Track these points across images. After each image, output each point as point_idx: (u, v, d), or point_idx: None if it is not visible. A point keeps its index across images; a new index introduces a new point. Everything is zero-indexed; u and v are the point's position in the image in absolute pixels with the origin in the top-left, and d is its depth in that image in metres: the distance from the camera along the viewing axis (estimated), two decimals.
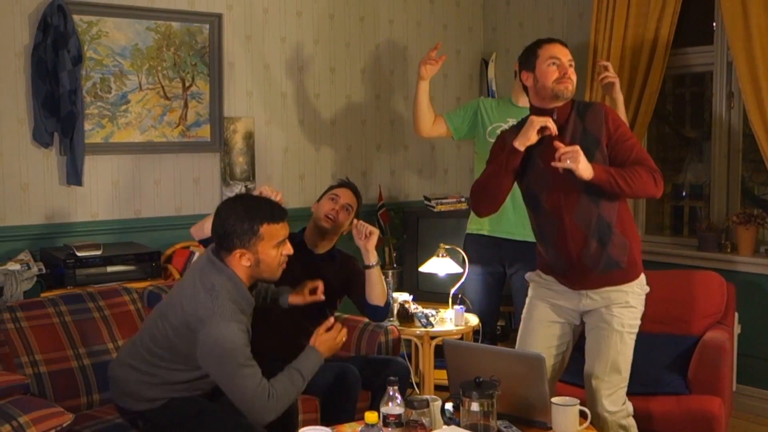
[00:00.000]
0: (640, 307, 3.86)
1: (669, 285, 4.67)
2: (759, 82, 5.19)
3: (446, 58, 5.31)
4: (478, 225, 5.29)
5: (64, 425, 3.49)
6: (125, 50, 5.23)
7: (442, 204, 6.14)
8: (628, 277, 3.81)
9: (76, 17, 4.97)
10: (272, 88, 5.96)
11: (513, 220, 5.13)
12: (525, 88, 3.94)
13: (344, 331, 3.75)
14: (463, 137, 5.41)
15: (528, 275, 4.14)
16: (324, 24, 6.20)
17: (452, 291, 5.31)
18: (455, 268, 5.31)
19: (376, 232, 4.34)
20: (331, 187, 4.57)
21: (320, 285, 4.15)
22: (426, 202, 6.26)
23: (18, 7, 4.83)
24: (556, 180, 3.75)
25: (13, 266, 4.54)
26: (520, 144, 3.74)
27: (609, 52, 5.86)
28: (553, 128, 3.71)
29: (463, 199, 6.11)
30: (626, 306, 3.80)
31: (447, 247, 5.33)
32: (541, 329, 3.97)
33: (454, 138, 5.42)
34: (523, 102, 4.99)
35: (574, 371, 4.08)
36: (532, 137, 3.72)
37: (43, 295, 4.49)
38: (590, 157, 3.64)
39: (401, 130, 6.62)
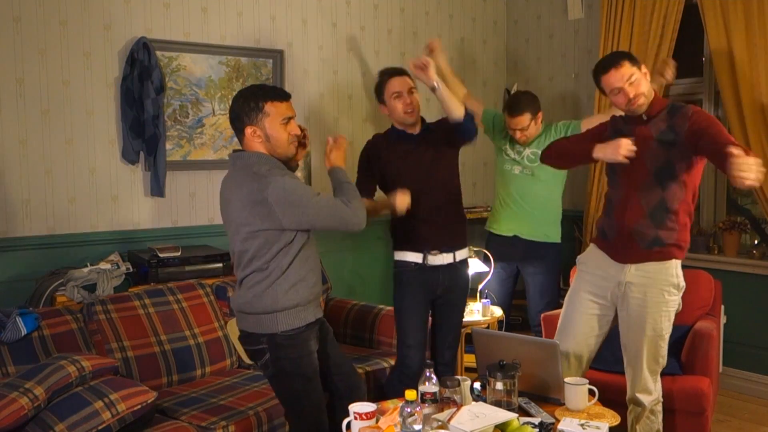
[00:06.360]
0: (675, 299, 3.74)
1: None
2: (742, 108, 5.22)
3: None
4: (492, 225, 5.36)
5: (149, 401, 3.49)
6: (200, 81, 5.21)
7: (471, 212, 6.12)
8: (666, 256, 3.69)
9: (158, 53, 4.96)
10: (326, 113, 5.93)
11: (520, 221, 5.14)
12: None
13: (341, 138, 3.72)
14: (486, 133, 5.33)
15: (579, 257, 4.03)
16: (370, 59, 6.17)
17: (480, 287, 5.25)
18: (482, 267, 5.26)
19: (429, 62, 3.91)
20: (382, 82, 4.24)
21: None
22: None
23: (109, 45, 4.83)
24: (632, 160, 3.64)
25: (104, 266, 4.53)
26: (600, 155, 3.69)
27: None
28: (632, 150, 3.57)
29: (489, 209, 6.08)
30: (662, 299, 3.69)
31: (475, 249, 5.27)
32: (581, 322, 3.89)
33: (484, 130, 5.32)
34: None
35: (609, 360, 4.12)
36: (614, 157, 3.62)
37: (130, 290, 4.48)
38: (672, 146, 3.56)
39: None
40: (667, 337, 3.76)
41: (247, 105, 3.40)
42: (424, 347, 4.29)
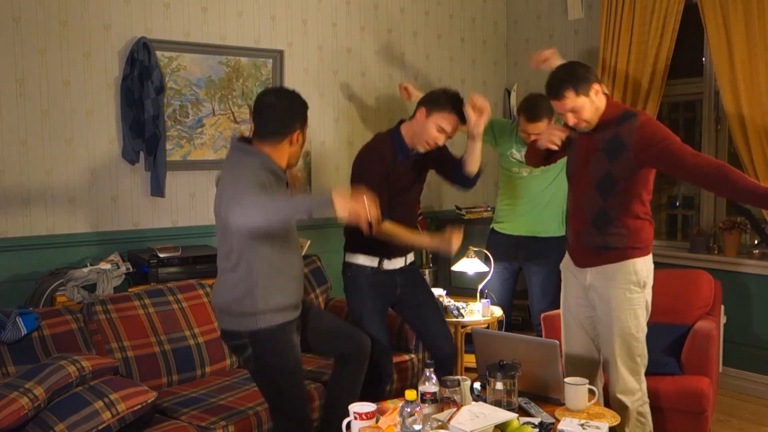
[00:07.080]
0: (638, 297, 3.71)
1: (665, 282, 4.54)
2: (741, 108, 5.22)
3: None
4: (499, 225, 5.30)
5: (149, 401, 3.48)
6: (200, 81, 5.21)
7: (471, 212, 6.15)
8: (621, 257, 3.68)
9: (158, 53, 4.95)
10: (326, 113, 5.92)
11: (530, 219, 5.10)
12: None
13: (375, 207, 3.13)
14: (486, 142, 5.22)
15: (562, 264, 4.05)
16: (370, 59, 6.17)
17: (479, 287, 5.24)
18: (482, 267, 5.25)
19: (487, 108, 4.00)
20: (442, 108, 3.96)
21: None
22: (457, 211, 6.26)
23: (109, 45, 4.82)
24: (580, 169, 3.74)
25: (104, 266, 4.52)
26: (539, 142, 4.00)
27: (614, 83, 5.87)
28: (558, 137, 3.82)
29: (489, 208, 6.09)
30: (624, 297, 3.68)
31: (475, 249, 5.27)
32: (576, 327, 3.92)
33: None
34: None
35: None
36: (544, 143, 3.91)
37: (130, 290, 4.48)
38: (615, 157, 3.58)
39: None
40: (639, 335, 3.73)
41: (303, 111, 3.52)
42: (390, 349, 4.27)
